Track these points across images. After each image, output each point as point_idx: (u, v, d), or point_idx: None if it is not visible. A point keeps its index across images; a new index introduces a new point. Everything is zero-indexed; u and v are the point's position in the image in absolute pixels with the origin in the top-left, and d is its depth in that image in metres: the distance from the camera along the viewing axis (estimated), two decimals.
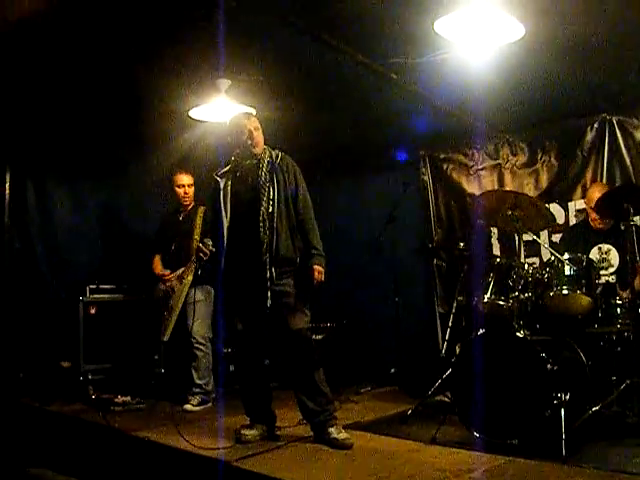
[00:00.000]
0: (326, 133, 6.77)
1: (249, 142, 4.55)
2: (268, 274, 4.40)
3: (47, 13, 4.26)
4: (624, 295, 4.79)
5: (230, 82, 5.33)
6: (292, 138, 5.96)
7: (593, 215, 5.33)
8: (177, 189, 6.28)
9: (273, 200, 4.48)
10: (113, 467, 4.71)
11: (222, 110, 5.42)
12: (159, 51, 4.89)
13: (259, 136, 4.61)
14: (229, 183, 4.59)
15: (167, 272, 6.19)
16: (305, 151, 5.91)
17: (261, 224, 4.43)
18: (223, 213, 4.54)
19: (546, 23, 4.35)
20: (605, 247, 5.20)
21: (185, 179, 6.28)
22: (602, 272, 4.93)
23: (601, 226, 5.32)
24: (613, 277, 5.02)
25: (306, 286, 4.52)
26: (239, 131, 4.58)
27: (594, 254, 5.19)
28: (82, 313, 6.53)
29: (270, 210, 4.46)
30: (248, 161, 4.60)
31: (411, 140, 7.20)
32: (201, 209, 6.09)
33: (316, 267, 4.52)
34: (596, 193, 5.16)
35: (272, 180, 4.52)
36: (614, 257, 5.14)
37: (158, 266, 6.31)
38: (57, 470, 4.97)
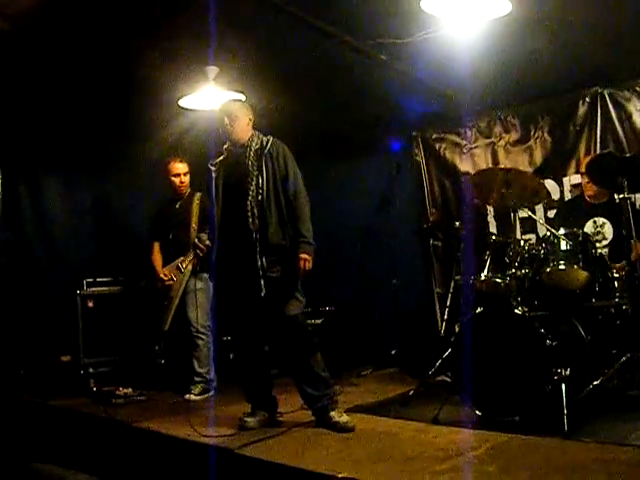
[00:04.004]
0: (317, 116, 6.73)
1: (228, 130, 4.53)
2: (259, 263, 4.37)
3: (34, 4, 4.24)
4: (617, 266, 4.78)
5: (218, 69, 5.30)
6: (283, 122, 5.94)
7: (588, 189, 5.32)
8: (173, 179, 6.17)
9: (262, 188, 4.43)
10: (116, 459, 4.72)
11: (211, 98, 5.39)
12: (149, 40, 4.87)
13: (237, 124, 4.54)
14: (221, 172, 4.57)
15: (165, 272, 6.09)
16: (296, 135, 5.86)
17: (249, 213, 4.39)
18: (215, 203, 4.52)
19: None
20: (600, 220, 5.20)
21: (181, 167, 6.19)
22: (597, 244, 4.92)
23: (596, 201, 5.32)
24: (606, 250, 5.01)
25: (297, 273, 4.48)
26: (221, 119, 4.56)
27: (589, 227, 5.18)
28: (80, 307, 6.52)
29: (259, 198, 4.41)
30: (237, 149, 4.57)
31: (403, 121, 7.17)
32: (197, 196, 6.03)
33: (302, 255, 4.41)
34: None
35: (260, 167, 4.47)
36: (608, 230, 5.13)
37: (157, 260, 6.19)
38: (61, 464, 4.97)
